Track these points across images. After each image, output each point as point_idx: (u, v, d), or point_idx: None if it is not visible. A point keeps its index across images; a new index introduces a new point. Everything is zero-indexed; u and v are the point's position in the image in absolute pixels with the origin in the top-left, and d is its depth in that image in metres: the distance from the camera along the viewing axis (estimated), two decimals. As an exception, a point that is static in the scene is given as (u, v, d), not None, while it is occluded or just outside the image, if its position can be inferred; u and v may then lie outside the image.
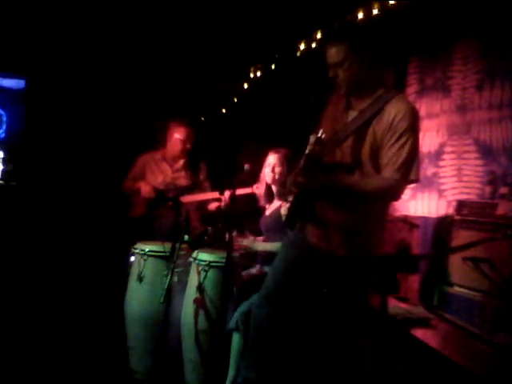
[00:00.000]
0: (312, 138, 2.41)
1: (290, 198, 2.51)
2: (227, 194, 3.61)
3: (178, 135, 4.20)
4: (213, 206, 4.09)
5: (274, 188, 3.47)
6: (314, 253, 2.51)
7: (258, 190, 3.60)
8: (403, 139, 2.34)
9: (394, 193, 2.44)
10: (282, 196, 2.63)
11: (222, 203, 3.81)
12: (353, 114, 2.49)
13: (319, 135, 2.38)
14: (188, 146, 4.22)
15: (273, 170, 3.41)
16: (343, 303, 2.47)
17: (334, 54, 2.41)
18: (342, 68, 2.40)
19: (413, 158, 2.36)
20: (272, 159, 3.45)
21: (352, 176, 2.43)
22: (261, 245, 3.41)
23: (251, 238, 3.45)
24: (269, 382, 2.58)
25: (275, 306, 2.55)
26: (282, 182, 3.31)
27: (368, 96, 2.45)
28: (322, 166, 2.41)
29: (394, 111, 2.36)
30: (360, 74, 2.42)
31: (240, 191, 3.33)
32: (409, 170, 2.35)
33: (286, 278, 2.57)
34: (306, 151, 2.41)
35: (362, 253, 2.44)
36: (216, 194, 3.88)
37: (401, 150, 2.34)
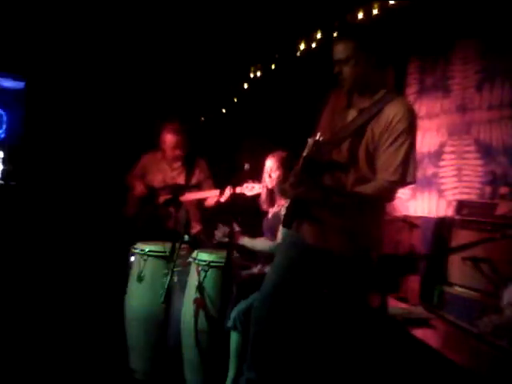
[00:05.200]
0: (310, 141, 2.41)
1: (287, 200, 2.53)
2: (228, 190, 3.64)
3: (166, 142, 4.19)
4: (211, 201, 4.08)
5: (275, 191, 3.46)
6: (310, 253, 2.51)
7: (251, 188, 3.60)
8: (400, 141, 2.35)
9: (390, 195, 2.47)
10: (284, 193, 2.64)
11: (222, 198, 3.81)
12: (353, 113, 2.50)
13: (317, 138, 2.38)
14: (178, 152, 4.20)
15: (270, 175, 3.42)
16: (341, 303, 2.47)
17: (340, 50, 2.41)
18: (347, 65, 2.41)
19: (409, 160, 2.37)
20: (269, 163, 3.45)
21: (348, 177, 2.43)
22: (251, 242, 3.41)
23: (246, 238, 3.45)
24: (272, 382, 2.57)
25: (274, 307, 2.55)
26: (282, 180, 3.29)
27: (369, 96, 2.46)
28: (318, 166, 2.41)
29: (392, 113, 2.37)
30: (365, 73, 2.42)
31: (234, 191, 3.31)
32: (405, 172, 2.36)
33: (284, 279, 2.57)
34: (304, 153, 2.41)
35: (358, 253, 2.44)
36: (215, 193, 3.89)
37: (397, 151, 2.35)
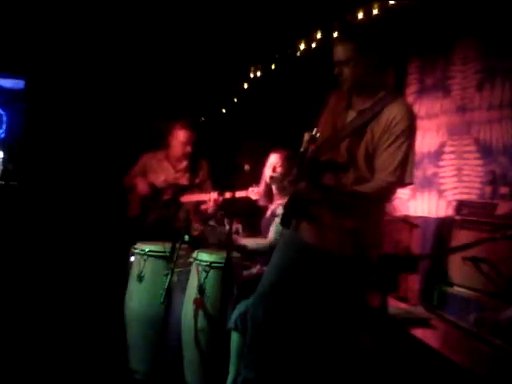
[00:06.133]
0: (306, 136, 2.42)
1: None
2: (213, 196, 3.66)
3: (178, 138, 4.20)
4: (203, 207, 4.10)
5: (274, 188, 3.47)
6: (309, 252, 2.51)
7: (256, 192, 3.60)
8: (399, 142, 2.36)
9: (388, 195, 2.50)
10: (283, 190, 2.65)
11: (209, 205, 3.84)
12: (352, 114, 2.50)
13: (313, 133, 2.39)
14: (189, 148, 4.22)
15: (274, 171, 3.41)
16: (339, 302, 2.47)
17: (341, 51, 2.42)
18: (347, 66, 2.41)
19: (407, 161, 2.38)
20: (273, 159, 3.45)
21: (347, 177, 2.44)
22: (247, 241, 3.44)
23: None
24: (269, 381, 2.57)
25: (271, 306, 2.55)
26: (283, 177, 3.28)
27: (369, 97, 2.46)
28: (318, 165, 2.42)
29: (392, 114, 2.38)
30: (365, 74, 2.43)
31: (234, 194, 3.32)
32: (403, 173, 2.37)
33: (281, 278, 2.57)
34: (301, 149, 2.42)
35: (356, 252, 2.44)
36: (215, 195, 3.89)
37: (396, 152, 2.36)
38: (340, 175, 2.46)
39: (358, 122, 2.44)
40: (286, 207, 2.54)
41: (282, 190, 2.74)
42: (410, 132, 2.39)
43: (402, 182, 2.41)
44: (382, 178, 2.37)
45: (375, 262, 2.47)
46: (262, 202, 3.58)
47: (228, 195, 3.53)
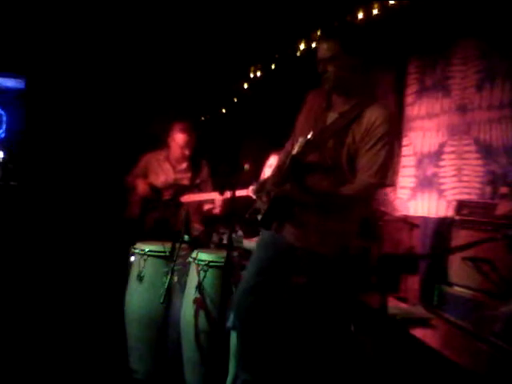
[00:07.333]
0: (302, 140, 2.40)
1: (264, 199, 2.52)
2: (220, 198, 3.65)
3: (177, 141, 4.19)
4: (206, 206, 4.10)
5: None
6: (292, 252, 2.51)
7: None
8: (380, 144, 2.38)
9: (369, 196, 2.56)
10: (257, 196, 2.62)
11: (216, 207, 3.84)
12: (332, 116, 2.50)
13: (309, 137, 2.38)
14: (187, 151, 4.20)
15: None
16: (325, 301, 2.46)
17: (325, 49, 2.43)
18: (331, 64, 2.42)
19: (388, 163, 2.41)
20: (273, 160, 3.45)
21: (330, 179, 2.44)
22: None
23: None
24: (266, 381, 2.56)
25: (252, 305, 2.53)
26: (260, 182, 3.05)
27: (350, 98, 2.47)
28: (302, 167, 2.41)
29: (373, 116, 2.39)
30: (348, 74, 2.43)
31: (237, 193, 3.32)
32: (385, 175, 2.40)
33: (260, 280, 2.54)
34: (294, 152, 2.41)
35: (337, 251, 2.45)
36: (216, 195, 3.89)
37: (377, 154, 2.38)
38: (323, 176, 2.46)
39: (340, 124, 2.45)
40: (267, 209, 2.53)
41: (256, 194, 2.70)
42: (391, 134, 2.42)
43: (383, 184, 2.46)
44: (364, 179, 2.39)
45: (359, 260, 2.49)
46: None
47: (239, 194, 3.51)
